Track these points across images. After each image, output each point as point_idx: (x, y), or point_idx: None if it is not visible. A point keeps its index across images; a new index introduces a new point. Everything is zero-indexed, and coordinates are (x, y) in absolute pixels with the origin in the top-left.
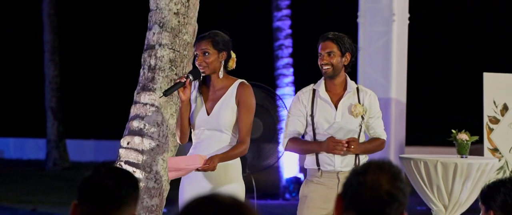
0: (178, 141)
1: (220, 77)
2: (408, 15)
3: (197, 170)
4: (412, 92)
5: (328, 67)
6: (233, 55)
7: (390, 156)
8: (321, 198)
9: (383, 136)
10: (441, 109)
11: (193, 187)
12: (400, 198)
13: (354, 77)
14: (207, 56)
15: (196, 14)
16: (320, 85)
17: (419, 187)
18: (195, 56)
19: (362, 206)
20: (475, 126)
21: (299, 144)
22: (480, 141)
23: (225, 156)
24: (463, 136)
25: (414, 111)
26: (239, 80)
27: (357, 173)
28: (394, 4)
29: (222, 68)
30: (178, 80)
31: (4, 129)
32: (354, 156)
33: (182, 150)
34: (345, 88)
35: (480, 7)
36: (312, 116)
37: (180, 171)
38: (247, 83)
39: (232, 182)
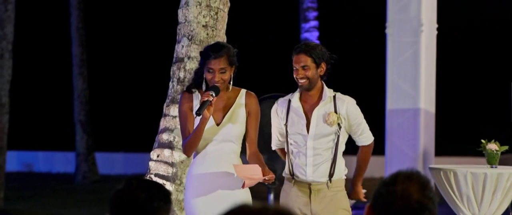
0: (185, 154)
1: (227, 88)
2: (436, 25)
3: (264, 181)
4: (441, 102)
5: (304, 80)
6: None
7: (419, 166)
8: (296, 208)
9: (371, 139)
10: (471, 119)
11: (206, 199)
12: (430, 207)
13: (382, 88)
14: (224, 74)
15: (225, 27)
16: (294, 96)
17: (449, 197)
18: (208, 71)
19: None
20: (505, 136)
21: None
22: (510, 150)
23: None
24: (493, 146)
25: (443, 121)
26: (244, 90)
27: (387, 183)
28: (423, 14)
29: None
30: (205, 98)
31: (33, 143)
32: (329, 165)
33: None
34: (321, 97)
35: (509, 16)
36: (286, 125)
37: (251, 180)
38: (252, 92)
39: (241, 194)
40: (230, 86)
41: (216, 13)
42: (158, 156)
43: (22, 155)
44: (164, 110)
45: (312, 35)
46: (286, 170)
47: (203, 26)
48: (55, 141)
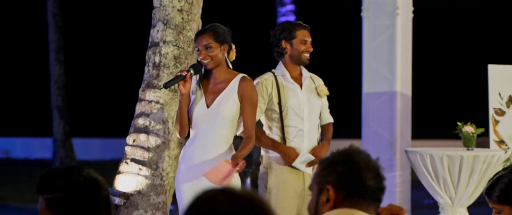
0: (177, 135)
1: (225, 68)
2: (412, 8)
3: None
4: (418, 85)
5: (309, 53)
6: (233, 45)
7: (396, 149)
8: (292, 187)
9: (332, 119)
10: (447, 102)
11: (191, 184)
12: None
13: (359, 71)
14: (210, 50)
15: (200, 11)
16: (285, 73)
17: (426, 180)
18: (197, 51)
19: (367, 190)
20: (482, 119)
21: (265, 138)
22: (486, 133)
23: (242, 154)
24: (469, 129)
25: (420, 104)
26: (241, 75)
27: (347, 161)
28: None
29: (225, 61)
30: (179, 74)
31: (11, 129)
32: (316, 143)
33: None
34: (301, 74)
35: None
36: (279, 104)
37: (227, 178)
38: (248, 77)
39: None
40: (224, 67)
41: None
42: (134, 141)
43: None
44: (139, 95)
45: (288, 19)
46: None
47: (178, 10)
48: (32, 127)
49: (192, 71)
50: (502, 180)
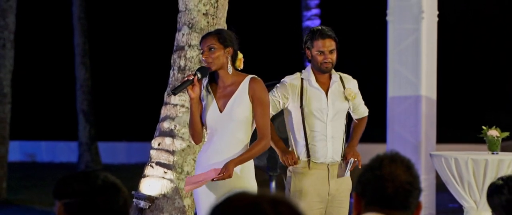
0: (192, 141)
1: (229, 73)
2: (437, 12)
3: (213, 180)
4: (443, 89)
5: (329, 64)
6: (240, 55)
7: (421, 153)
8: (315, 191)
9: (367, 112)
10: (472, 106)
11: (208, 189)
12: (418, 186)
13: (384, 75)
14: (213, 51)
15: (225, 15)
16: (310, 77)
17: (451, 184)
18: (201, 53)
19: (385, 200)
20: (507, 122)
21: (273, 134)
22: (511, 137)
23: (241, 159)
24: (494, 132)
25: (444, 108)
26: (250, 76)
27: (373, 168)
28: (423, 1)
29: (229, 64)
30: (186, 79)
31: (36, 133)
32: (341, 146)
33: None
34: (330, 78)
35: (510, 3)
36: (301, 107)
37: (196, 184)
38: (258, 78)
39: (245, 181)
40: (230, 70)
41: (216, 1)
42: (159, 144)
43: (25, 145)
44: (165, 98)
45: (313, 24)
46: (299, 152)
47: (203, 14)
48: (57, 131)
49: (199, 74)
50: (503, 192)
